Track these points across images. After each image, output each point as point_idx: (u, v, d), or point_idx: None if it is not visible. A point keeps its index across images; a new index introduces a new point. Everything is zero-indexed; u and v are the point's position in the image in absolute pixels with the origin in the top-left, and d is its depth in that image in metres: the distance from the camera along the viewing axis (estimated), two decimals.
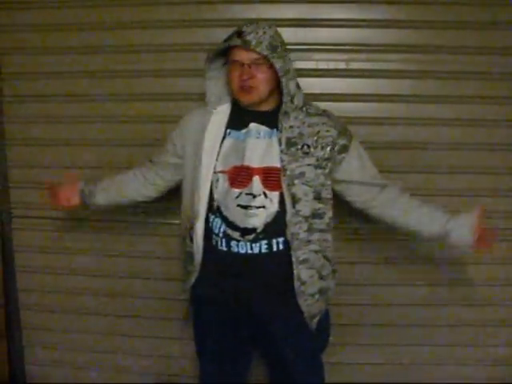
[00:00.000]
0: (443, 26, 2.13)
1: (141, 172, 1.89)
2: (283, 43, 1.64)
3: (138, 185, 1.89)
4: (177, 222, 2.13)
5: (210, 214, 1.69)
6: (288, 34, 2.04)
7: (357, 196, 1.77)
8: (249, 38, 1.56)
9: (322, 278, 1.71)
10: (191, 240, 1.73)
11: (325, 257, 1.71)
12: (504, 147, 2.20)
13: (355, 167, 1.71)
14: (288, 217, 1.62)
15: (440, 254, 2.22)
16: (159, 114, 2.25)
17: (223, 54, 1.66)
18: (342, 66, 2.17)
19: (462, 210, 1.76)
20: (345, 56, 2.17)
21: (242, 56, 1.59)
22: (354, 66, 2.17)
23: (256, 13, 2.15)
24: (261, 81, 1.60)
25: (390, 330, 2.37)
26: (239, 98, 1.65)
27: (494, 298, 2.31)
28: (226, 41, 1.63)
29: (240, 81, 1.60)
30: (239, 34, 1.58)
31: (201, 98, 1.81)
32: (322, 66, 2.18)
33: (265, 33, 1.58)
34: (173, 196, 1.95)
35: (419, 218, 1.75)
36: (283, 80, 1.59)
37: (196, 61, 2.06)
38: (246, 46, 1.56)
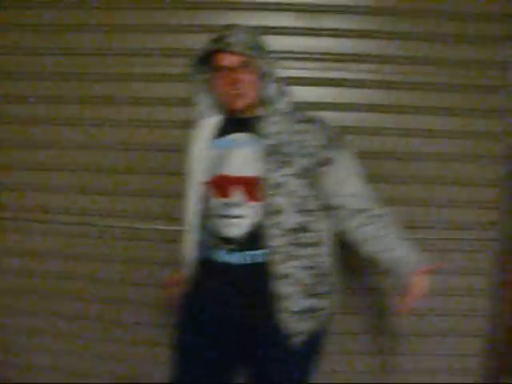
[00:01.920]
0: (436, 38, 2.22)
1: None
2: (264, 47, 1.61)
3: None
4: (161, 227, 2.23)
5: (201, 225, 1.69)
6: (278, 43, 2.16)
7: (335, 217, 1.64)
8: (230, 40, 1.53)
9: (312, 295, 1.60)
10: (183, 250, 1.74)
11: (319, 274, 1.61)
12: (486, 159, 2.27)
13: (333, 182, 1.60)
14: (268, 229, 1.55)
15: None
16: (147, 118, 2.31)
17: (205, 62, 1.63)
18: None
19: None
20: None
21: (227, 60, 1.55)
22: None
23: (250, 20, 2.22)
24: (248, 84, 1.56)
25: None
26: (230, 104, 1.60)
27: (451, 308, 2.37)
28: (206, 47, 1.60)
29: (228, 86, 1.57)
30: (219, 38, 1.56)
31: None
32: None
33: (244, 36, 1.56)
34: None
35: (389, 260, 1.60)
36: (263, 84, 1.56)
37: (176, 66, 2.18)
38: (228, 48, 1.53)
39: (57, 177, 2.37)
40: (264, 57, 1.57)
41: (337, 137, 1.61)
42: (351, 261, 1.93)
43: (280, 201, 1.54)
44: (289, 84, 1.61)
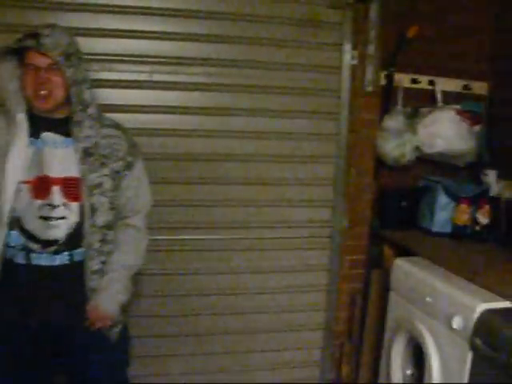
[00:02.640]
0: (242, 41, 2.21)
1: None
2: (78, 51, 1.59)
3: None
4: None
5: (7, 227, 1.59)
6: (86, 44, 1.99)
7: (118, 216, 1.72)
8: (45, 40, 1.49)
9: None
10: None
11: None
12: (307, 159, 2.33)
13: (131, 187, 1.71)
14: (85, 227, 1.60)
15: None
16: None
17: (14, 55, 1.57)
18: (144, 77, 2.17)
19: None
20: (148, 68, 2.17)
21: (38, 60, 1.51)
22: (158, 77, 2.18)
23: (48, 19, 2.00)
24: (57, 85, 1.53)
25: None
26: (35, 104, 1.56)
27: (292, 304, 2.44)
28: (19, 41, 1.52)
29: (35, 85, 1.52)
30: (35, 35, 1.50)
31: None
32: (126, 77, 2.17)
33: (61, 38, 1.53)
34: None
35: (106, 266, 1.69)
36: (73, 89, 1.54)
37: None
38: (41, 48, 1.49)
39: None
40: (75, 63, 1.55)
41: (135, 142, 1.73)
42: None
43: (97, 200, 1.61)
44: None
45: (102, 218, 1.63)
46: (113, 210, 1.67)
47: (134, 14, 2.14)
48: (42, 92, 1.53)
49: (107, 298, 1.66)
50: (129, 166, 1.68)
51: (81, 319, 1.65)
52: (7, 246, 1.61)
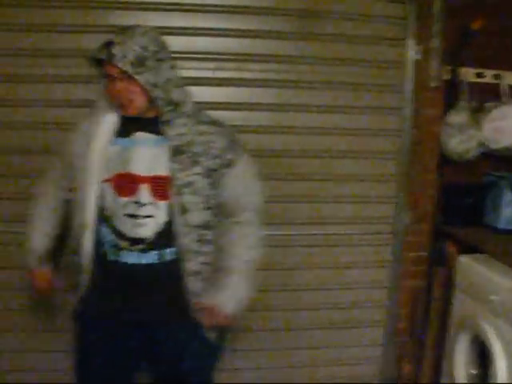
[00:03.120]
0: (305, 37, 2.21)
1: (51, 186, 1.80)
2: (159, 51, 1.54)
3: (58, 195, 1.79)
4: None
5: (99, 224, 1.62)
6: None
7: (220, 214, 1.68)
8: (114, 51, 1.46)
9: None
10: (80, 251, 1.65)
11: (215, 270, 1.65)
12: (370, 155, 2.31)
13: (233, 185, 1.65)
14: (177, 227, 1.56)
15: None
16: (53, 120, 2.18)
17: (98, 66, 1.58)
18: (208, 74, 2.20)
19: None
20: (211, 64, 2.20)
21: (111, 70, 1.50)
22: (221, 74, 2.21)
23: (110, 20, 2.12)
24: (134, 93, 1.52)
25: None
26: (120, 110, 1.58)
27: (353, 300, 2.43)
28: (95, 52, 1.53)
29: (114, 95, 1.54)
30: (107, 45, 1.49)
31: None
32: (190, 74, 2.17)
33: (134, 43, 1.49)
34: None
35: (222, 263, 1.66)
36: (156, 92, 1.51)
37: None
38: (110, 59, 1.47)
39: None
40: (153, 66, 1.51)
41: (236, 139, 1.66)
42: None
43: (188, 199, 1.56)
44: (190, 84, 1.59)
45: (195, 218, 1.58)
46: (209, 210, 1.61)
47: (199, 11, 2.16)
48: (122, 101, 1.54)
49: (229, 297, 1.63)
50: (228, 164, 1.62)
51: (175, 320, 1.64)
52: (101, 242, 1.64)
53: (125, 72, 1.48)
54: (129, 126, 1.61)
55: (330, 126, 2.27)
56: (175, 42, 2.08)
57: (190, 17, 2.16)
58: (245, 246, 1.67)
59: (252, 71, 2.21)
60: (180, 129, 1.57)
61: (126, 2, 2.14)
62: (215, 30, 2.18)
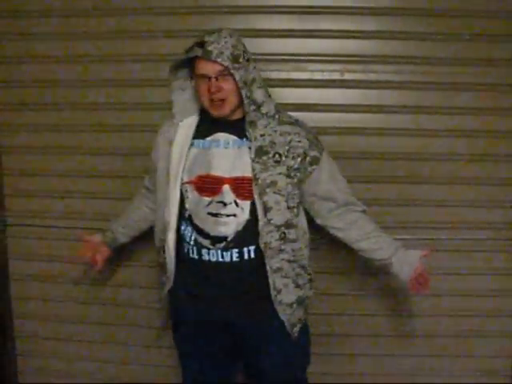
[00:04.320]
0: (436, 37, 2.14)
1: (143, 202, 1.96)
2: (246, 52, 1.61)
3: (146, 215, 1.96)
4: None
5: (182, 224, 1.69)
6: (281, 45, 2.13)
7: (320, 211, 1.76)
8: (210, 48, 1.52)
9: (298, 286, 1.70)
10: (164, 251, 1.72)
11: (300, 266, 1.71)
12: (490, 158, 2.22)
13: (324, 180, 1.70)
14: (260, 226, 1.60)
15: None
16: (145, 123, 2.24)
17: (187, 64, 1.64)
18: (336, 76, 2.18)
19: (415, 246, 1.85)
20: (339, 66, 2.18)
21: (207, 69, 1.55)
22: (349, 76, 2.18)
23: (248, 23, 2.15)
24: (229, 92, 1.57)
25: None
26: (211, 111, 1.62)
27: (475, 309, 2.33)
28: (187, 51, 1.60)
29: (209, 95, 1.57)
30: (201, 44, 1.55)
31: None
32: (317, 76, 2.19)
33: (226, 42, 1.55)
34: None
35: (371, 245, 1.76)
36: (244, 90, 1.56)
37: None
38: (207, 56, 1.52)
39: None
40: (244, 65, 1.57)
41: (317, 136, 1.72)
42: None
43: (271, 199, 1.59)
44: (272, 86, 1.64)
45: (278, 217, 1.61)
46: (291, 209, 1.65)
47: (327, 13, 2.15)
48: (216, 101, 1.58)
49: (406, 267, 1.73)
50: (315, 161, 1.66)
51: (258, 317, 1.69)
52: (183, 241, 1.67)
53: (222, 69, 1.53)
54: (209, 128, 1.66)
55: (454, 128, 2.19)
56: (302, 45, 2.16)
57: (316, 19, 2.15)
58: (373, 224, 1.79)
59: (379, 73, 2.17)
60: (262, 130, 1.61)
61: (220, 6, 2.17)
62: (344, 31, 2.16)
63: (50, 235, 2.40)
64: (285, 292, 1.66)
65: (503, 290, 2.31)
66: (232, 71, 1.53)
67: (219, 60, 1.52)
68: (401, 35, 2.14)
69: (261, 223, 1.60)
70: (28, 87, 2.30)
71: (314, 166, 1.66)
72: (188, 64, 1.64)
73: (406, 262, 1.73)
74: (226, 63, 1.52)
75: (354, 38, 2.16)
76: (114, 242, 1.98)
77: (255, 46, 1.88)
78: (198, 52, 1.55)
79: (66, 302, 2.47)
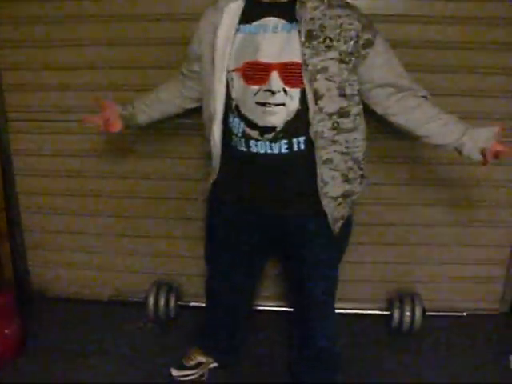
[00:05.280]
0: None
1: (176, 86, 1.88)
2: None
3: (175, 98, 1.89)
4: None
5: (229, 114, 1.64)
6: None
7: (378, 98, 1.66)
8: None
9: (346, 180, 1.65)
10: (210, 141, 1.70)
11: (353, 159, 1.64)
12: None
13: (380, 64, 1.60)
14: (311, 114, 1.53)
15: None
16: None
17: None
18: None
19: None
20: None
21: None
22: None
23: None
24: None
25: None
26: None
27: None
28: None
29: None
30: None
31: None
32: None
33: None
34: None
35: (437, 128, 1.66)
36: None
37: None
38: None
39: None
40: None
41: (370, 19, 1.60)
42: None
43: (322, 85, 1.52)
44: None
45: (330, 105, 1.54)
46: (344, 97, 1.56)
47: None
48: None
49: (481, 145, 1.63)
50: (368, 44, 1.55)
51: (302, 208, 1.68)
52: (231, 132, 1.66)
53: None
54: (256, 11, 1.58)
55: None
56: None
57: None
58: (437, 108, 1.68)
59: None
60: (312, 13, 1.51)
61: None
62: None
63: (52, 129, 2.40)
64: (331, 185, 1.62)
65: None
66: None
67: None
68: None
69: (311, 111, 1.53)
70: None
71: (368, 50, 1.55)
72: None
73: (479, 140, 1.62)
74: None
75: None
76: (131, 120, 1.89)
77: None
78: None
79: (72, 196, 2.52)
